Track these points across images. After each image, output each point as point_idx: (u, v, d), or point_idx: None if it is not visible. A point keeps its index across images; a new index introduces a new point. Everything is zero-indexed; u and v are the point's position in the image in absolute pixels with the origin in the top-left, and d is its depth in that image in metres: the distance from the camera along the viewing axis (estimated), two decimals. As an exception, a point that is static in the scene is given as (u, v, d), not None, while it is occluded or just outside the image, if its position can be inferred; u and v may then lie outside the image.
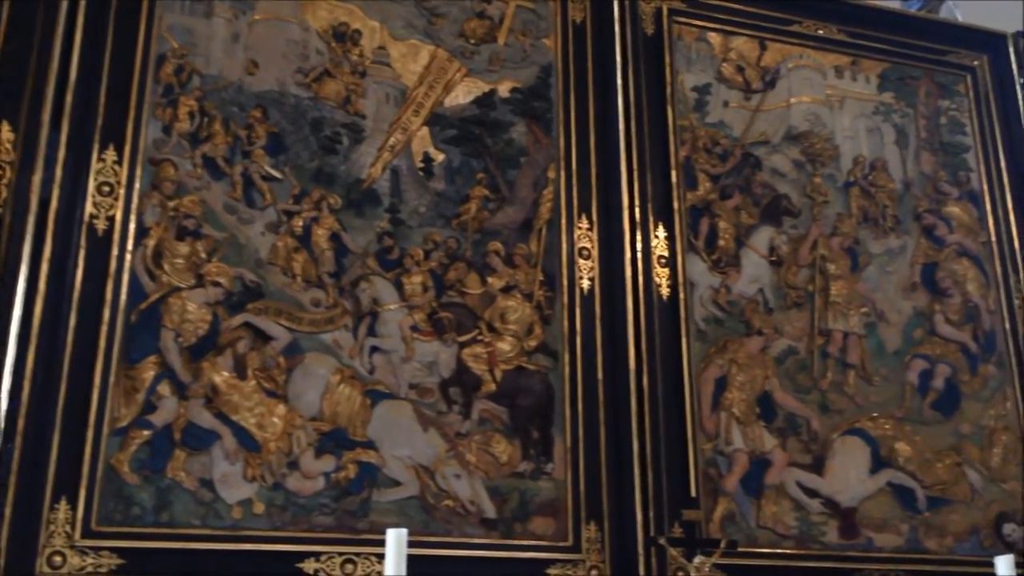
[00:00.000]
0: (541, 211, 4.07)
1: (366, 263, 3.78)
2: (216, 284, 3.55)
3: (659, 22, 4.44)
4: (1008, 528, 4.21)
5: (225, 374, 3.46)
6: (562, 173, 4.12)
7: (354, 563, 3.38)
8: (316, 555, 3.36)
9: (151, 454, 3.32)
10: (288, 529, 3.38)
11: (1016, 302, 4.58)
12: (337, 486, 3.47)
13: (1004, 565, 3.31)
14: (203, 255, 3.58)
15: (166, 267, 3.52)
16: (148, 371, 3.39)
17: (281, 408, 3.49)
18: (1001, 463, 4.32)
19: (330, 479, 3.47)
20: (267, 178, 3.76)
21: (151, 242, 3.53)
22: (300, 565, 3.34)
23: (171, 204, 3.59)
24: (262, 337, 3.55)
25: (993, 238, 4.68)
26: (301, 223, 3.74)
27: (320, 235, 3.75)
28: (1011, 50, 4.95)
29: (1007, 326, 4.54)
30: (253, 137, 3.78)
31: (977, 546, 4.15)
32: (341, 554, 3.38)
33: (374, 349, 3.69)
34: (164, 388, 3.39)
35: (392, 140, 3.97)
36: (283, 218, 3.73)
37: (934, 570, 4.04)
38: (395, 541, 2.78)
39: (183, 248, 3.56)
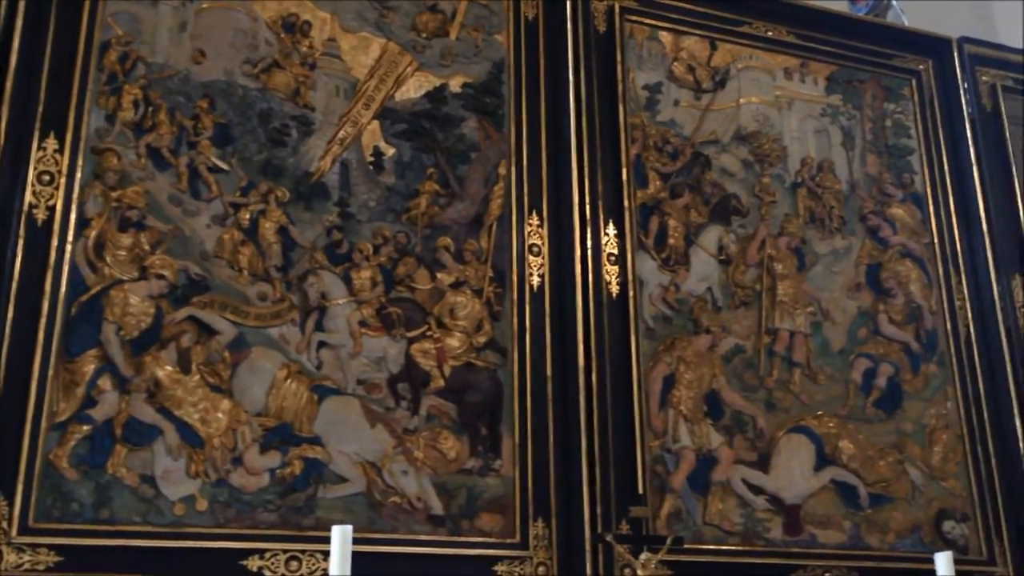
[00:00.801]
0: (492, 207, 4.05)
1: (314, 257, 3.74)
2: (160, 277, 3.48)
3: (611, 20, 4.44)
4: (948, 525, 4.29)
5: (168, 368, 3.40)
6: (513, 169, 4.11)
7: (299, 560, 3.34)
8: (260, 552, 3.31)
9: (91, 449, 3.24)
10: (231, 526, 3.32)
11: (957, 303, 4.66)
12: (282, 482, 3.43)
13: (943, 562, 3.37)
14: (147, 247, 3.51)
15: (108, 259, 3.45)
16: (88, 365, 3.31)
17: (226, 403, 3.44)
18: (942, 461, 4.39)
19: (275, 475, 3.43)
20: (213, 170, 3.70)
21: (92, 233, 3.45)
22: (244, 563, 3.29)
23: (114, 195, 3.52)
24: (207, 331, 3.49)
25: (935, 240, 4.76)
26: (248, 216, 3.68)
27: (267, 228, 3.70)
28: (955, 55, 5.03)
29: (948, 326, 4.62)
30: (199, 128, 3.71)
31: (918, 543, 4.22)
32: (286, 551, 3.33)
33: (321, 344, 3.65)
34: (105, 382, 3.31)
35: (342, 133, 3.93)
36: (230, 210, 3.67)
37: (875, 566, 4.09)
38: (340, 538, 2.76)
39: (126, 240, 3.49)
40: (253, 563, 3.30)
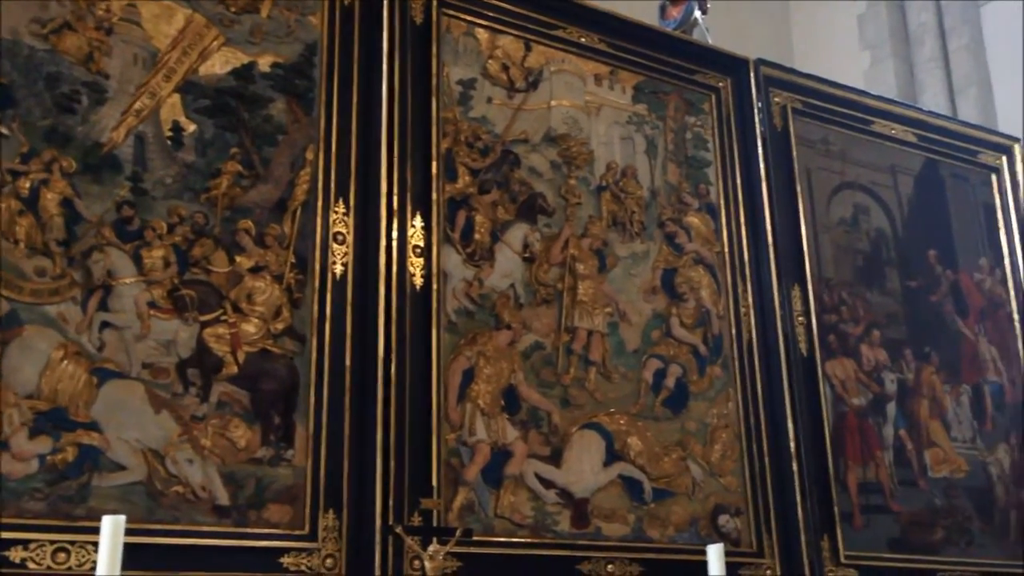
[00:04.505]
0: (297, 192, 3.96)
1: (101, 232, 3.52)
2: (-78, 245, 3.21)
3: (428, 12, 4.43)
4: (723, 519, 4.53)
5: (-73, 344, 3.14)
6: (321, 155, 4.02)
7: (67, 552, 3.15)
8: (24, 543, 3.10)
9: None
10: (-7, 515, 3.11)
11: (742, 310, 4.93)
12: (53, 469, 3.22)
13: (714, 553, 3.57)
14: (-92, 213, 3.23)
15: None
16: None
17: (-8, 384, 3.20)
18: (720, 459, 4.63)
19: (45, 462, 3.22)
20: (-9, 133, 3.44)
21: None
22: (6, 553, 3.07)
23: None
24: (-26, 306, 3.24)
25: (726, 249, 5.01)
26: (28, 185, 3.43)
27: (50, 199, 3.46)
28: (752, 75, 5.32)
29: (733, 331, 4.88)
30: (-24, 87, 3.45)
31: (695, 536, 4.43)
32: (53, 542, 3.14)
33: (105, 325, 3.45)
34: None
35: (138, 104, 3.72)
36: (7, 178, 3.40)
37: (655, 558, 4.27)
38: (111, 528, 2.63)
39: None
40: (16, 554, 3.08)
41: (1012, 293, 5.86)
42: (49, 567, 3.12)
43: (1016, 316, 5.82)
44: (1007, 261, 5.92)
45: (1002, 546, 5.26)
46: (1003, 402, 5.62)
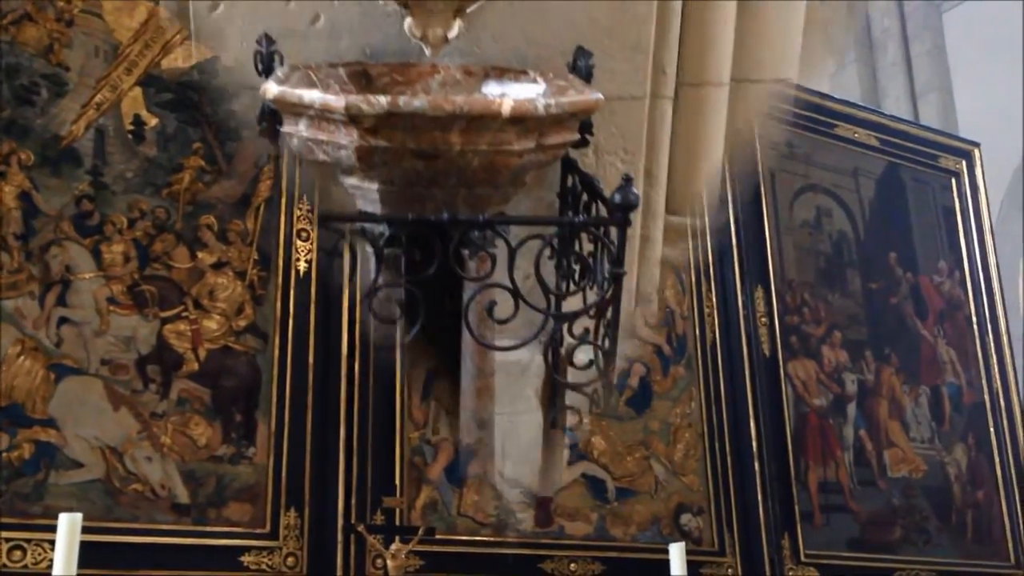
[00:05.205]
0: (260, 188, 3.93)
1: (60, 227, 3.49)
2: None
3: (396, 9, 4.41)
4: (685, 518, 4.55)
5: None
6: (285, 151, 4.00)
7: (23, 550, 3.11)
8: (-21, 541, 3.07)
9: None
10: (-54, 514, 3.06)
11: (706, 310, 4.95)
12: (8, 467, 3.18)
13: (676, 552, 3.57)
14: None
15: None
16: None
17: (-54, 380, 3.16)
18: (683, 458, 4.65)
19: (1, 459, 3.18)
20: (-53, 126, 3.38)
21: None
22: (-42, 552, 3.04)
23: None
24: (-72, 300, 3.20)
25: (690, 249, 5.03)
26: (-15, 178, 3.40)
27: (7, 193, 3.41)
28: (722, 77, 5.35)
29: (697, 331, 4.89)
30: (-67, 79, 3.39)
31: (657, 534, 4.44)
32: (8, 540, 3.10)
33: (63, 320, 3.41)
34: None
35: (99, 97, 3.68)
36: (-36, 171, 3.37)
37: (618, 556, 4.28)
38: (67, 526, 2.59)
39: None
40: (-30, 553, 3.05)
41: (970, 296, 5.94)
42: (5, 565, 3.07)
43: (974, 319, 5.90)
44: (966, 264, 5.99)
45: (959, 545, 5.33)
46: (961, 403, 5.69)
